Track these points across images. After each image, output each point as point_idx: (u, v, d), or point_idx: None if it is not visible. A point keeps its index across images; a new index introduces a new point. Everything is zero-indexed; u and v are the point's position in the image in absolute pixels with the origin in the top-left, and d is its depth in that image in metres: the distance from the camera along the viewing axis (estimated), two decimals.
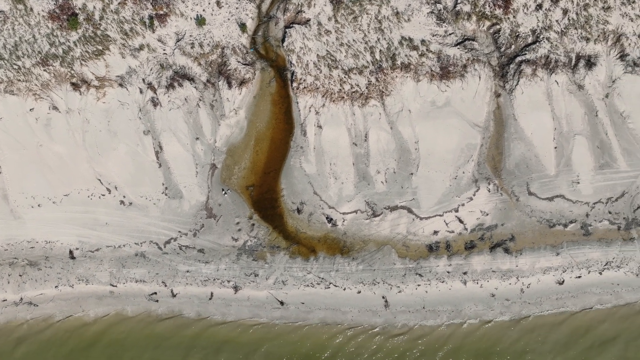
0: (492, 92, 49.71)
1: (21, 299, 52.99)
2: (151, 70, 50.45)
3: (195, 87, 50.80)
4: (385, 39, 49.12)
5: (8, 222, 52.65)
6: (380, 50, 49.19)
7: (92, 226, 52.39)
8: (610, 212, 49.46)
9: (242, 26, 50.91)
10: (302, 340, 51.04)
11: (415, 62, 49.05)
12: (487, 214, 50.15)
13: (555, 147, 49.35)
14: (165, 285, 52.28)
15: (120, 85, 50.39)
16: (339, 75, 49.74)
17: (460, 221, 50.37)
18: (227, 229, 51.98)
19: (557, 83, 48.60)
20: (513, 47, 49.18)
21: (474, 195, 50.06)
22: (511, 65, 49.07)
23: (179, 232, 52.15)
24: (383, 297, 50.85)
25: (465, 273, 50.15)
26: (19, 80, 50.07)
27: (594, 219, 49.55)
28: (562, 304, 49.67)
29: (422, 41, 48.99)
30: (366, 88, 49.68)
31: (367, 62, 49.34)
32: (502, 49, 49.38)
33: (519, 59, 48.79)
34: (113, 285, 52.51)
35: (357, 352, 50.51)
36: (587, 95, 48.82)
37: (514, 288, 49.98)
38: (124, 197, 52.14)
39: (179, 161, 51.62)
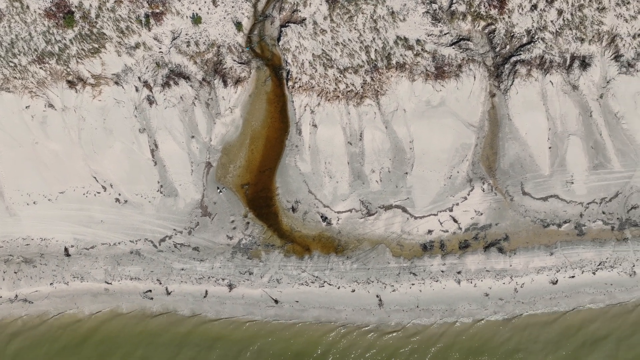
0: (486, 92, 49.78)
1: (16, 295, 53.08)
2: (147, 68, 50.53)
3: (190, 86, 50.89)
4: (380, 38, 49.20)
5: (3, 219, 52.79)
6: (376, 49, 49.26)
7: (88, 224, 52.51)
8: (604, 213, 49.53)
9: (238, 25, 51.00)
10: (295, 338, 51.10)
11: (411, 62, 49.14)
12: (482, 214, 50.23)
13: (550, 147, 49.42)
14: (160, 283, 52.37)
15: (116, 83, 50.48)
16: (334, 75, 49.82)
17: (455, 221, 50.45)
18: (222, 227, 52.06)
19: (552, 83, 48.66)
20: (508, 47, 49.25)
21: (469, 194, 50.14)
22: (506, 66, 49.15)
23: (174, 230, 52.24)
24: (377, 296, 50.91)
25: (459, 272, 50.22)
26: (15, 77, 50.19)
27: (588, 219, 49.62)
28: (556, 304, 49.75)
29: (418, 41, 49.06)
30: (361, 87, 49.76)
31: (363, 61, 49.42)
32: (497, 49, 49.47)
33: (513, 59, 48.88)
34: (108, 283, 52.60)
35: (350, 349, 50.59)
36: (581, 95, 48.89)
37: (508, 287, 50.05)
38: (120, 194, 52.24)
39: (175, 159, 51.71)
